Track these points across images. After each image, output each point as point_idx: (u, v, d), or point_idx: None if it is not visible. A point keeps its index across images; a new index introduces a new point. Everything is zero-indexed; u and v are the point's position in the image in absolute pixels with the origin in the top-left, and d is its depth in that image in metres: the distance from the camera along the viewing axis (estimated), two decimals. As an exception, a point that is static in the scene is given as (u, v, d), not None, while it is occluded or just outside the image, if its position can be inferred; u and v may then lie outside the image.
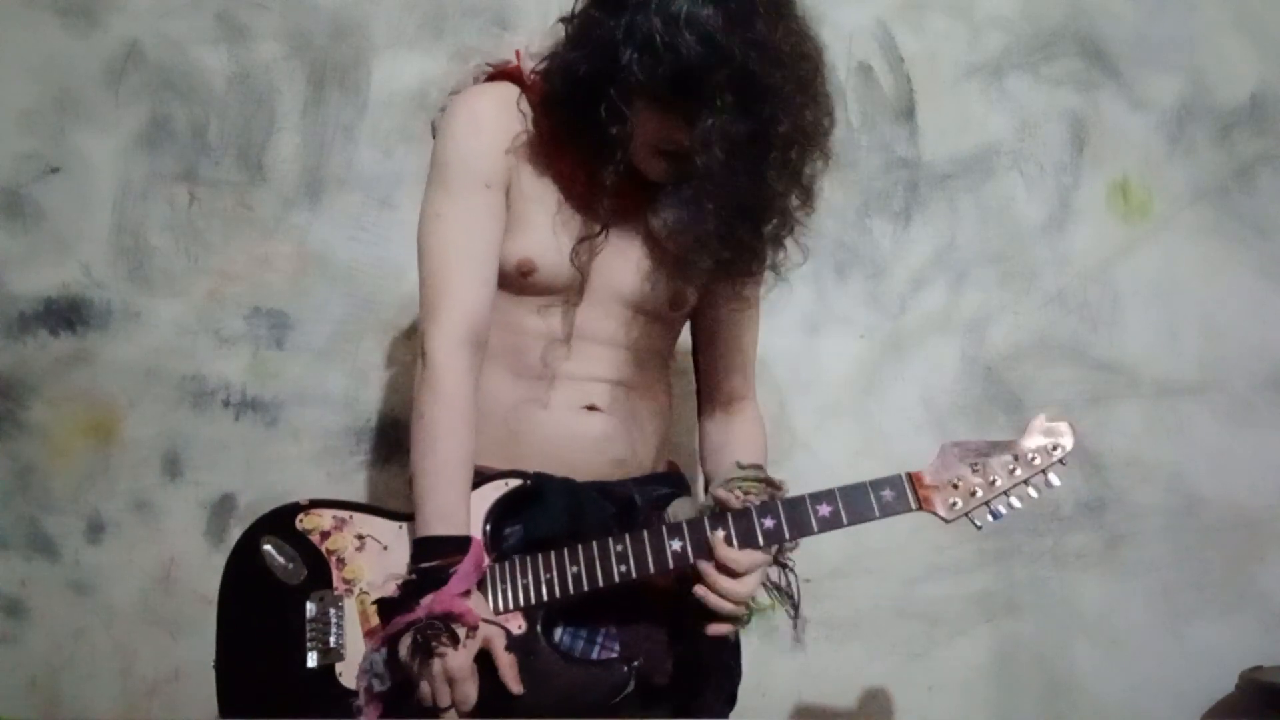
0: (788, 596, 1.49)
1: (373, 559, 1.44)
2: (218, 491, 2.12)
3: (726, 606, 1.38)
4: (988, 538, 1.91)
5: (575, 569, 1.39)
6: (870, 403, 2.19)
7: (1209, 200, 2.25)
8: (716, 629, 1.40)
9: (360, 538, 1.45)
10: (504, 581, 1.40)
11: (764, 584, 1.44)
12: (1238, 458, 2.20)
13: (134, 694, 2.09)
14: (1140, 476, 2.20)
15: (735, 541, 1.38)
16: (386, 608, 1.37)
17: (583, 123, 1.40)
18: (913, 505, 1.37)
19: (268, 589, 1.44)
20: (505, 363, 1.50)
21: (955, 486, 1.37)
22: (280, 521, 1.47)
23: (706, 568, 1.38)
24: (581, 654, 1.45)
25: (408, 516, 1.44)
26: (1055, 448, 1.36)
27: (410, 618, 1.32)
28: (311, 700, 1.39)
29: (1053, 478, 1.36)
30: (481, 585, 1.38)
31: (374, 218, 2.15)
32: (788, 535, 1.39)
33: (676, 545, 1.39)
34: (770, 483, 1.50)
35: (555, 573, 1.39)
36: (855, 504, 1.37)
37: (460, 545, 1.36)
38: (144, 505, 2.11)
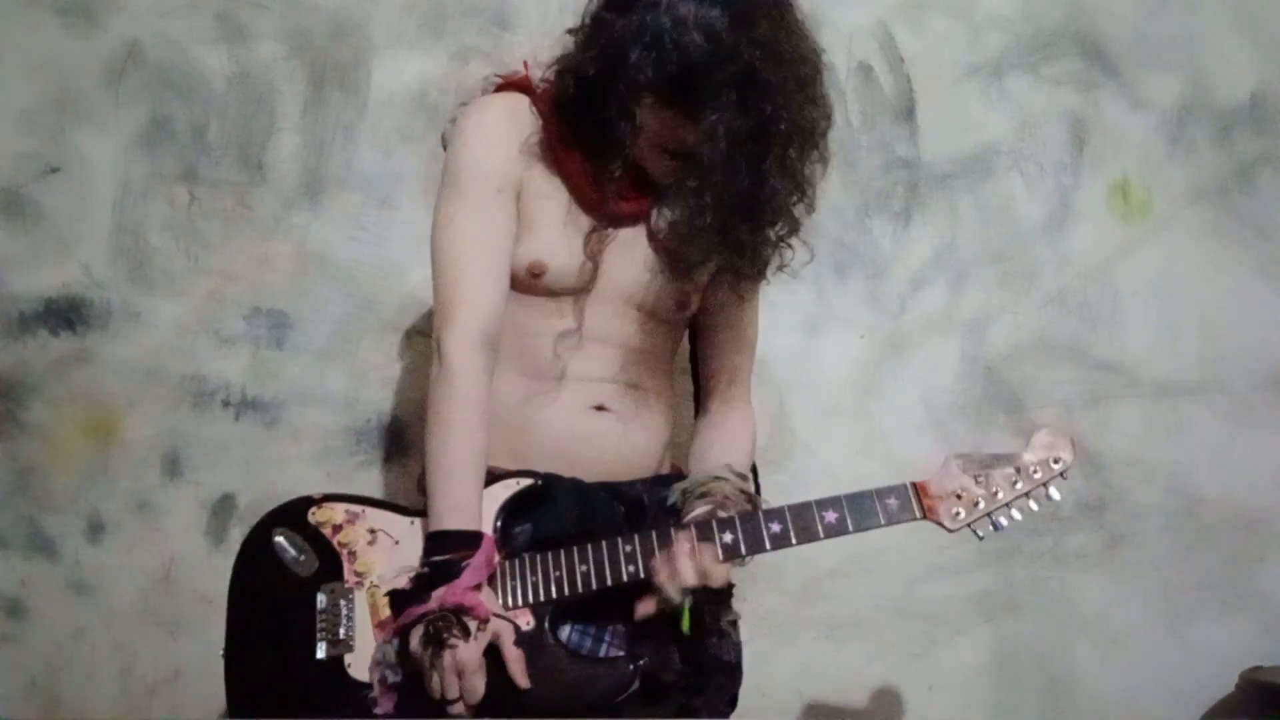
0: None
1: (384, 553, 1.46)
2: (218, 491, 2.12)
3: (676, 598, 1.39)
4: (988, 538, 1.90)
5: (584, 568, 1.41)
6: (870, 403, 2.19)
7: (1209, 200, 2.25)
8: (646, 609, 1.41)
9: (372, 532, 1.48)
10: (513, 578, 1.42)
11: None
12: (1238, 458, 2.20)
13: (134, 694, 2.09)
14: (1140, 476, 2.20)
15: (743, 546, 1.40)
16: (398, 600, 1.39)
17: (592, 123, 1.44)
18: (917, 514, 1.40)
19: (278, 580, 1.47)
20: (514, 363, 1.53)
21: (959, 497, 1.39)
22: (292, 514, 1.50)
23: (681, 563, 1.39)
24: (590, 652, 1.48)
25: (419, 512, 1.46)
26: (1056, 461, 1.40)
27: (422, 609, 1.34)
28: (320, 690, 1.41)
29: (1053, 491, 1.40)
30: (491, 581, 1.40)
31: (374, 218, 2.15)
32: (794, 541, 1.41)
33: (685, 548, 1.40)
34: (750, 497, 1.52)
35: (564, 571, 1.42)
36: (861, 511, 1.39)
37: (472, 540, 1.38)
38: (144, 505, 2.11)
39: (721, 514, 1.45)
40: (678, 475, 1.64)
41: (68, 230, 2.14)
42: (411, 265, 2.14)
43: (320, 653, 1.42)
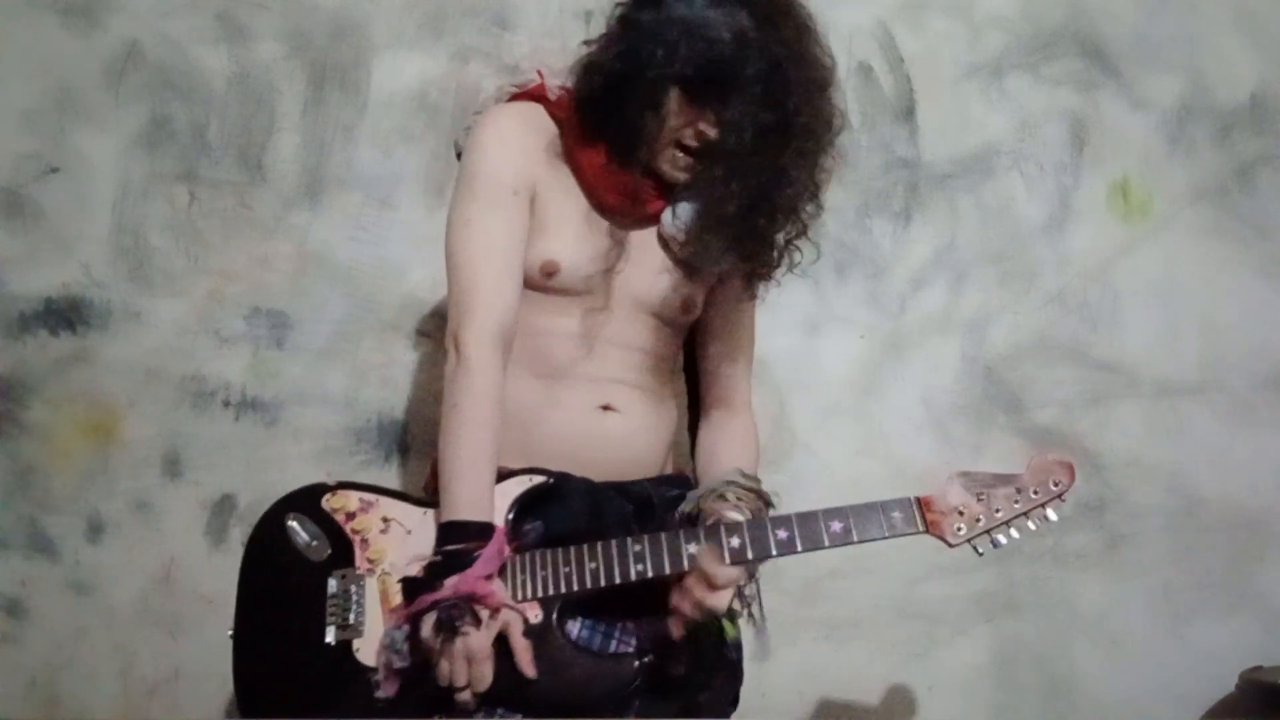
0: (748, 608, 1.54)
1: (396, 542, 1.48)
2: (218, 491, 2.12)
3: (695, 616, 1.42)
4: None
5: (594, 565, 1.43)
6: (870, 403, 2.19)
7: (1209, 200, 2.25)
8: (678, 631, 1.44)
9: (385, 521, 1.50)
10: (523, 572, 1.44)
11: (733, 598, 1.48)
12: (1238, 458, 2.20)
13: (134, 694, 2.09)
14: (1140, 476, 2.20)
15: (749, 551, 1.42)
16: (411, 587, 1.41)
17: (616, 118, 1.49)
18: (920, 528, 1.44)
19: (290, 564, 1.49)
20: (524, 363, 1.55)
21: (961, 514, 1.44)
22: (306, 500, 1.52)
23: (690, 579, 1.42)
24: (598, 648, 1.49)
25: (431, 504, 1.48)
26: (1055, 484, 1.45)
27: (435, 596, 1.36)
28: (327, 673, 1.43)
29: (1050, 513, 1.45)
30: (501, 574, 1.41)
31: (374, 218, 2.15)
32: (799, 548, 1.44)
33: (693, 549, 1.43)
34: (762, 496, 1.55)
35: (574, 567, 1.44)
36: (866, 523, 1.43)
37: (485, 531, 1.41)
38: (144, 505, 2.11)
39: (737, 516, 1.48)
40: (680, 475, 1.67)
41: (68, 230, 2.14)
42: (411, 265, 2.14)
43: (329, 637, 1.44)
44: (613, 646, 1.49)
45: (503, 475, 1.48)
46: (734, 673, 1.60)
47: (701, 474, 1.65)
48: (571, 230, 1.55)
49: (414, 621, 1.38)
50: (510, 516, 1.46)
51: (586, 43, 1.57)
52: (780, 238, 1.54)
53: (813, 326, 2.19)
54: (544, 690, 1.38)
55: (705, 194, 1.51)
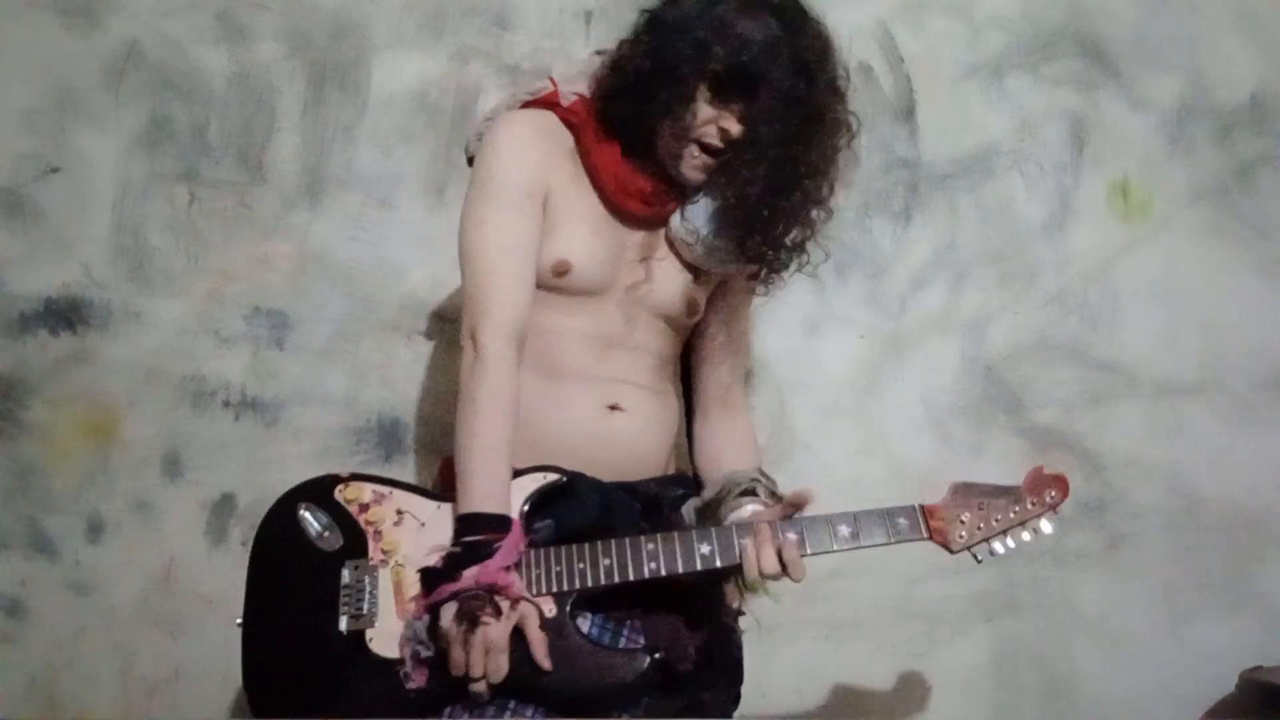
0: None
1: (410, 534, 1.50)
2: (218, 491, 2.12)
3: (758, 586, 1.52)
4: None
5: (607, 561, 1.45)
6: (870, 403, 2.19)
7: (1209, 200, 2.25)
8: (733, 598, 1.56)
9: (399, 513, 1.51)
10: (537, 567, 1.45)
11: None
12: (1238, 458, 2.20)
13: (134, 694, 2.09)
14: (1140, 476, 2.20)
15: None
16: (430, 577, 1.43)
17: (641, 112, 1.54)
18: (924, 535, 1.50)
19: (301, 553, 1.50)
20: (532, 362, 1.57)
21: (963, 522, 1.50)
22: (318, 490, 1.53)
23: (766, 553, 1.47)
24: (608, 644, 1.51)
25: (445, 498, 1.50)
26: (1051, 496, 1.52)
27: (456, 587, 1.38)
28: (339, 662, 1.44)
29: (1045, 525, 1.52)
30: (516, 568, 1.43)
31: (374, 218, 2.15)
32: (808, 550, 1.49)
33: (705, 549, 1.46)
34: (779, 496, 1.61)
35: (588, 563, 1.46)
36: (872, 528, 1.49)
37: (502, 523, 1.43)
38: (144, 505, 2.11)
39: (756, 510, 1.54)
40: (683, 476, 1.71)
41: (68, 230, 2.14)
42: (411, 265, 2.14)
43: (342, 626, 1.45)
44: (621, 643, 1.51)
45: (515, 473, 1.49)
46: (736, 672, 1.63)
47: (706, 473, 1.69)
48: (584, 231, 1.59)
49: (433, 611, 1.39)
50: (525, 510, 1.48)
51: (599, 52, 1.64)
52: (791, 239, 1.58)
53: (813, 326, 2.19)
54: (557, 683, 1.40)
55: (724, 191, 1.55)
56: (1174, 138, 2.25)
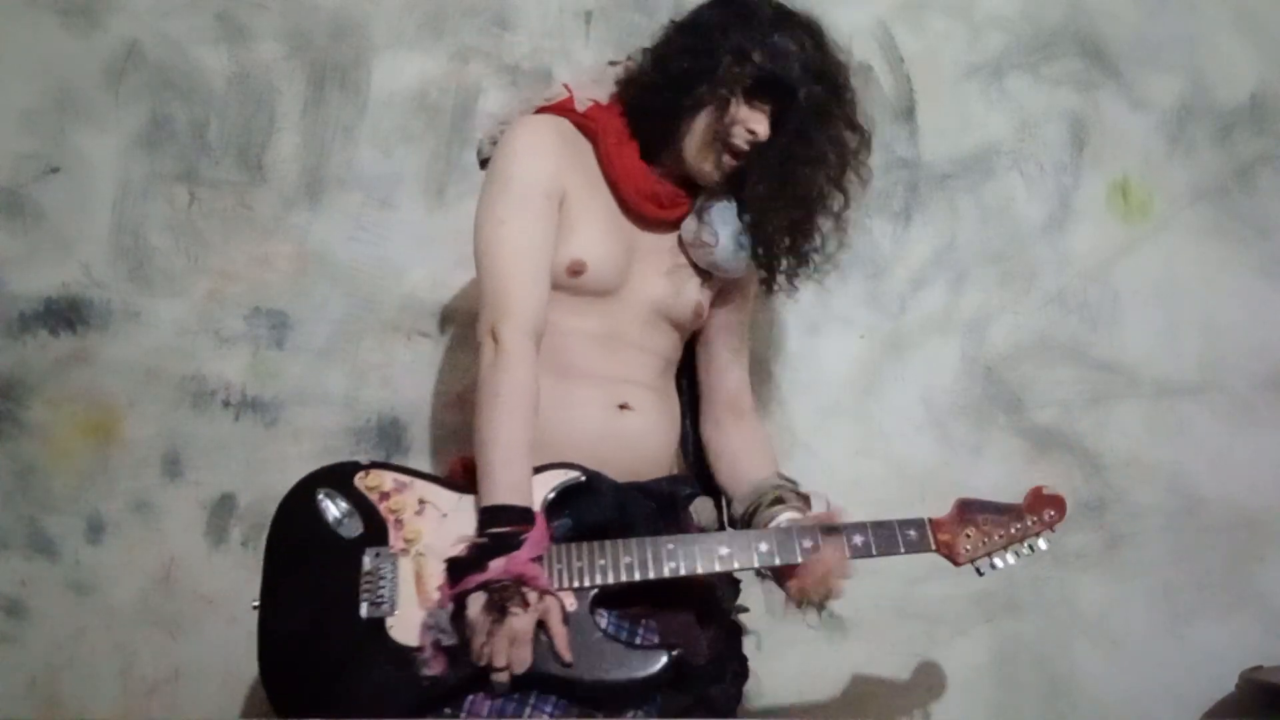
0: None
1: (432, 524, 1.51)
2: (218, 491, 2.12)
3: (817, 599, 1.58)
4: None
5: (629, 559, 1.48)
6: (870, 403, 2.19)
7: (1209, 200, 2.25)
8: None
9: (421, 502, 1.53)
10: (559, 562, 1.47)
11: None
12: (1238, 458, 2.20)
13: (134, 694, 2.09)
14: (1140, 476, 2.20)
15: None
16: (456, 567, 1.43)
17: (672, 108, 1.60)
18: (932, 547, 1.58)
19: (321, 538, 1.51)
20: (544, 362, 1.59)
21: (967, 537, 1.59)
22: (338, 477, 1.55)
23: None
24: (626, 641, 1.52)
25: (466, 490, 1.51)
26: (1049, 516, 1.62)
27: (484, 577, 1.39)
28: (358, 649, 1.44)
29: (1041, 543, 1.61)
30: (540, 561, 1.44)
31: (374, 218, 2.15)
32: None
33: (724, 550, 1.51)
34: (807, 500, 1.69)
35: (609, 560, 1.48)
36: (884, 539, 1.57)
37: (526, 516, 1.45)
38: (144, 505, 2.11)
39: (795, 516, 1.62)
40: (685, 475, 1.75)
41: (68, 230, 2.14)
42: (411, 265, 2.14)
43: (363, 613, 1.45)
44: (637, 640, 1.52)
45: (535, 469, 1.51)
46: (743, 666, 1.69)
47: (727, 480, 1.73)
48: (598, 232, 1.63)
49: (459, 601, 1.40)
50: (545, 505, 1.49)
51: (613, 63, 1.70)
52: (802, 249, 1.66)
53: (813, 326, 2.19)
54: (578, 677, 1.42)
55: (741, 196, 1.63)
56: (1174, 138, 2.25)
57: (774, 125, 1.59)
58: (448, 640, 1.40)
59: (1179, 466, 2.20)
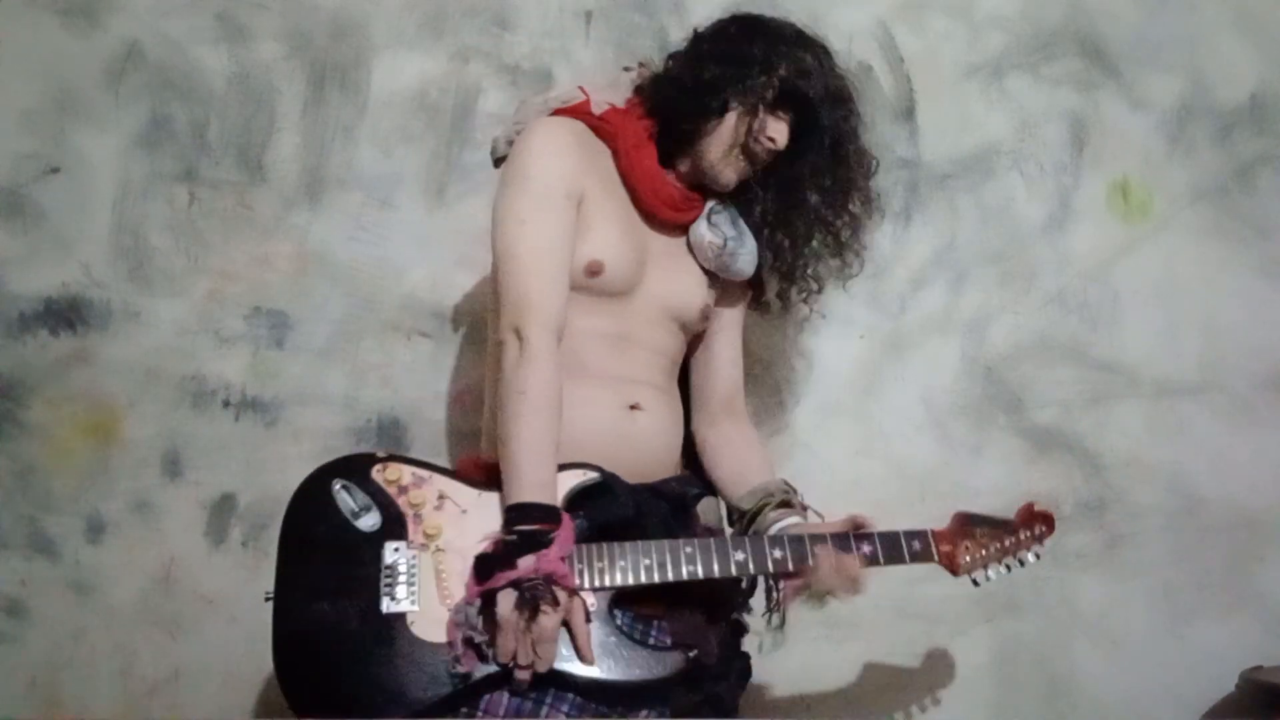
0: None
1: (452, 519, 1.51)
2: (218, 491, 2.12)
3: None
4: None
5: (648, 561, 1.49)
6: (870, 403, 2.19)
7: (1209, 200, 2.25)
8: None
9: (441, 497, 1.52)
10: (580, 562, 1.47)
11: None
12: (1238, 458, 2.20)
13: (134, 694, 2.09)
14: (1140, 476, 2.20)
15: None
16: (484, 564, 1.43)
17: (696, 110, 1.65)
18: (935, 558, 1.62)
19: (337, 530, 1.49)
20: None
21: (966, 549, 1.64)
22: (355, 469, 1.54)
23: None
24: (641, 641, 1.52)
25: (486, 486, 1.51)
26: (1039, 531, 1.68)
27: (515, 574, 1.39)
28: (381, 644, 1.43)
29: (1029, 556, 1.67)
30: (565, 561, 1.45)
31: (374, 218, 2.15)
32: None
33: (740, 556, 1.53)
34: (806, 507, 1.72)
35: (629, 561, 1.49)
36: (891, 548, 1.60)
37: (551, 514, 1.45)
38: (144, 505, 2.11)
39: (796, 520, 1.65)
40: (690, 476, 1.75)
41: (68, 230, 2.14)
42: (411, 265, 2.14)
43: (385, 607, 1.44)
44: (651, 640, 1.53)
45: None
46: (747, 664, 1.70)
47: (729, 480, 1.74)
48: (615, 233, 1.65)
49: (487, 597, 1.40)
50: (567, 497, 1.50)
51: (626, 69, 1.77)
52: (808, 255, 1.73)
53: (813, 326, 2.19)
54: (597, 676, 1.43)
55: (752, 202, 1.70)
56: (1174, 138, 2.25)
57: (791, 136, 1.65)
58: (479, 637, 1.40)
59: (1179, 466, 2.20)
